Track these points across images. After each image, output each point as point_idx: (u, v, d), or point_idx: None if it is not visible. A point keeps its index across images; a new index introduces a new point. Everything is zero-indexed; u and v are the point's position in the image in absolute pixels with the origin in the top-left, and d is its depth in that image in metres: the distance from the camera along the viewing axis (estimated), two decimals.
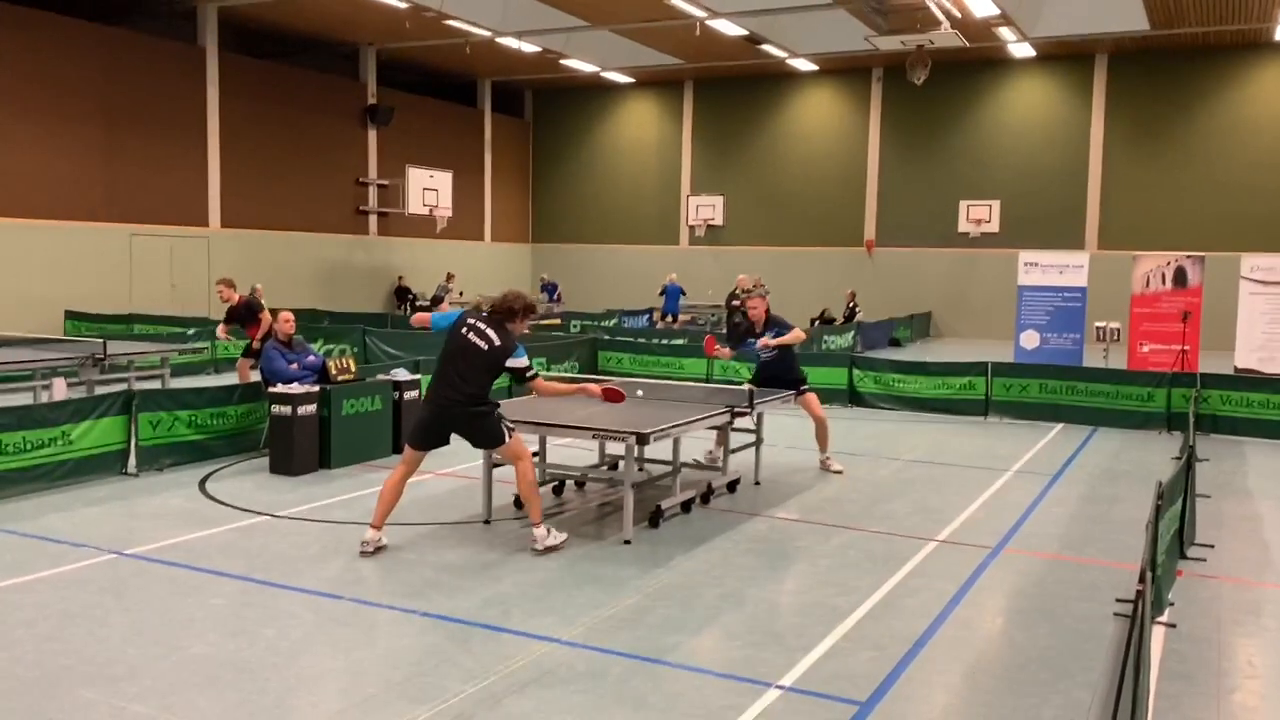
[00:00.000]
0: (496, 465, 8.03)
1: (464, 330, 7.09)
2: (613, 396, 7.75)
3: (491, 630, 5.68)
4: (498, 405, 7.25)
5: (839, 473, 10.02)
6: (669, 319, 25.37)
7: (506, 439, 7.11)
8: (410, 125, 29.04)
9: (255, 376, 11.11)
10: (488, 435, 7.11)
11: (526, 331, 8.35)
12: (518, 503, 8.46)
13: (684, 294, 26.31)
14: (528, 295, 7.39)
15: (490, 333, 7.06)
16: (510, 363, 7.09)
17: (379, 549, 7.05)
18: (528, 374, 7.18)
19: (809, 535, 7.84)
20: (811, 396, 10.02)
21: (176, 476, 9.39)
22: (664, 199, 32.57)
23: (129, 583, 6.39)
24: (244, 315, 12.69)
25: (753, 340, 10.04)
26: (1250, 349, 16.79)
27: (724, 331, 20.42)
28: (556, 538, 7.19)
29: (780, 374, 9.91)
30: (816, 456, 10.32)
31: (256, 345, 12.02)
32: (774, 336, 9.78)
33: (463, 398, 6.96)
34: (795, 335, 9.79)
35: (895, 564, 7.06)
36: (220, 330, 13.81)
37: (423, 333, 19.60)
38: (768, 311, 9.95)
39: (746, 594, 6.41)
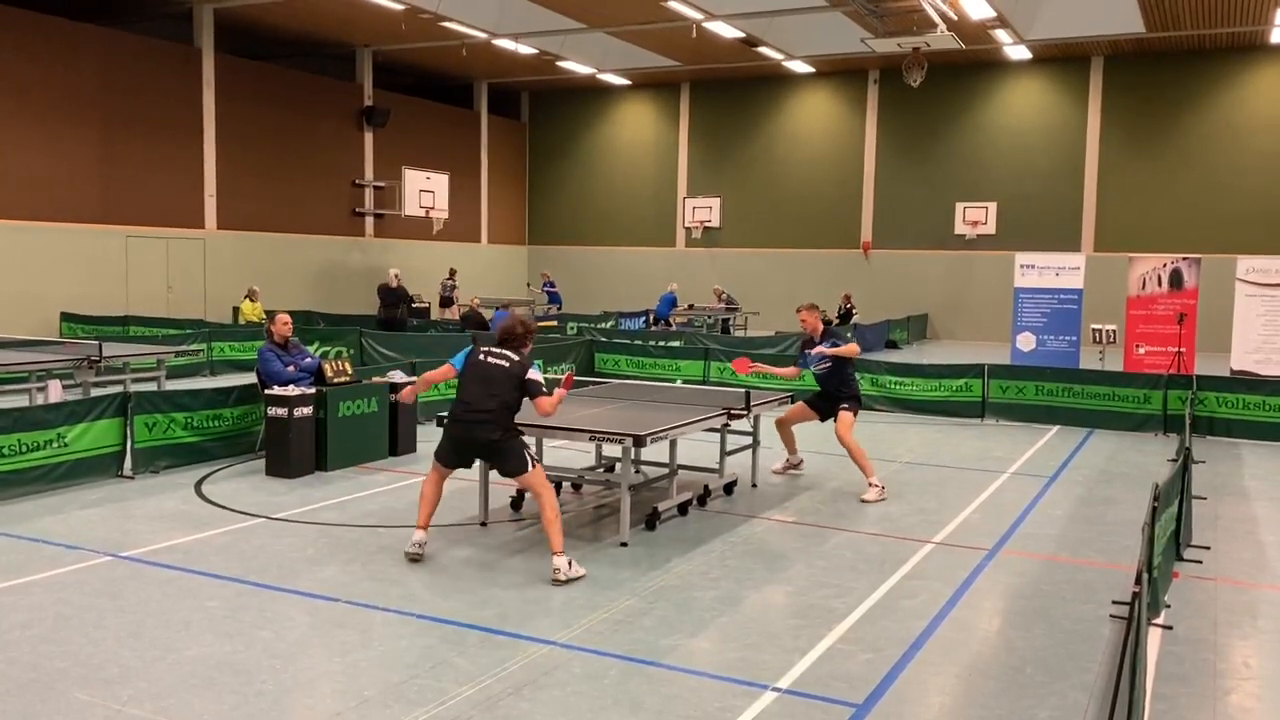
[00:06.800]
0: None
1: (482, 356, 6.99)
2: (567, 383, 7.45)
3: (488, 632, 5.67)
4: (522, 433, 7.06)
5: (865, 500, 9.07)
6: (662, 323, 25.45)
7: (529, 468, 6.90)
8: (406, 127, 29.02)
9: None
10: (513, 460, 6.91)
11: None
12: (514, 505, 8.48)
13: (676, 305, 26.54)
14: (525, 319, 7.28)
15: (508, 354, 6.97)
16: (531, 374, 6.91)
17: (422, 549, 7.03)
18: (541, 389, 6.95)
19: (805, 537, 7.84)
20: (843, 415, 9.35)
21: (172, 479, 9.37)
22: (660, 201, 32.57)
23: (125, 585, 6.38)
24: None
25: (808, 351, 9.66)
26: (1246, 351, 16.80)
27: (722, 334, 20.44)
28: (578, 571, 6.70)
29: (836, 389, 9.52)
30: (820, 460, 10.56)
31: None
32: (830, 346, 9.44)
33: (488, 415, 6.81)
34: (851, 349, 9.45)
35: (892, 566, 7.06)
36: None
37: (418, 335, 19.68)
38: (826, 323, 9.85)
39: (743, 596, 6.41)
